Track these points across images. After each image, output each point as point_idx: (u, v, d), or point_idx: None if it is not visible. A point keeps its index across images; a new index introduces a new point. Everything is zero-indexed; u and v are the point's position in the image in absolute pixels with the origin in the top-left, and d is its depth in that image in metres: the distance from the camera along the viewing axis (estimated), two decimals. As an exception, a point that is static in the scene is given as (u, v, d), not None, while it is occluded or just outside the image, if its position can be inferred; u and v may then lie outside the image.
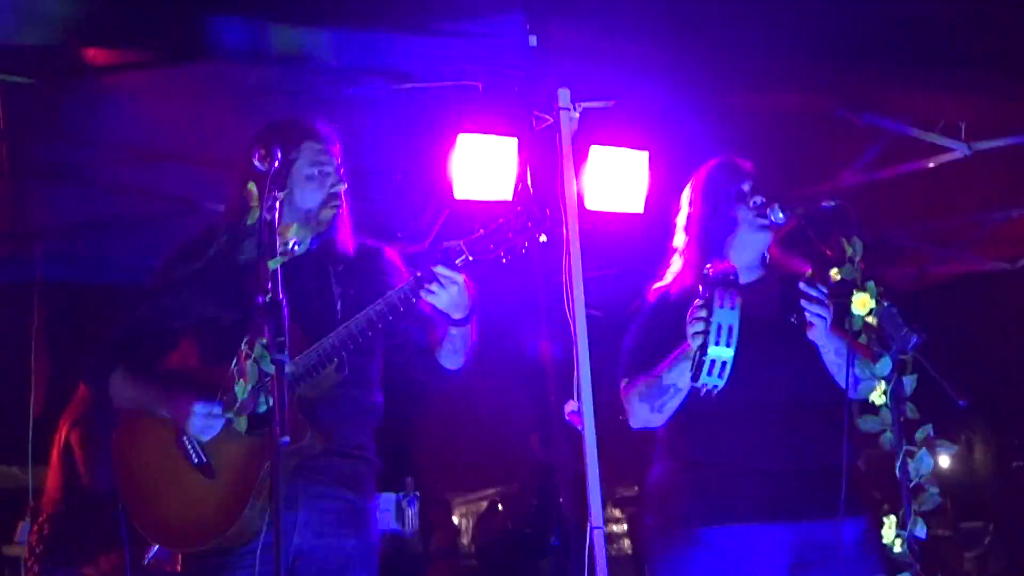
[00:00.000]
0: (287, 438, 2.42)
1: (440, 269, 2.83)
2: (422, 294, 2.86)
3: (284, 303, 2.52)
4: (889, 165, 5.73)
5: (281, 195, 2.74)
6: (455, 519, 9.77)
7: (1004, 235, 6.82)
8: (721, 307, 2.91)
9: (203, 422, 2.87)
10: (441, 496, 8.97)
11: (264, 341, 2.52)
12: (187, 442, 2.92)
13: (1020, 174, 5.76)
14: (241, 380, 2.76)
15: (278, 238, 2.65)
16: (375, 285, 2.97)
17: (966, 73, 4.49)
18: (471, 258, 2.84)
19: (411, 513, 6.18)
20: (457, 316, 2.95)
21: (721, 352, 2.91)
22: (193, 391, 2.90)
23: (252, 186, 2.84)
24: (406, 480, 6.36)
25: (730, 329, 2.91)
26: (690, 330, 2.97)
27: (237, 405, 2.77)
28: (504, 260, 2.87)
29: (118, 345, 3.11)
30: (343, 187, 3.10)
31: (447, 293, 2.87)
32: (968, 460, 9.36)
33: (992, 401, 7.60)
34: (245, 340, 2.79)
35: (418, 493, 6.32)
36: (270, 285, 2.54)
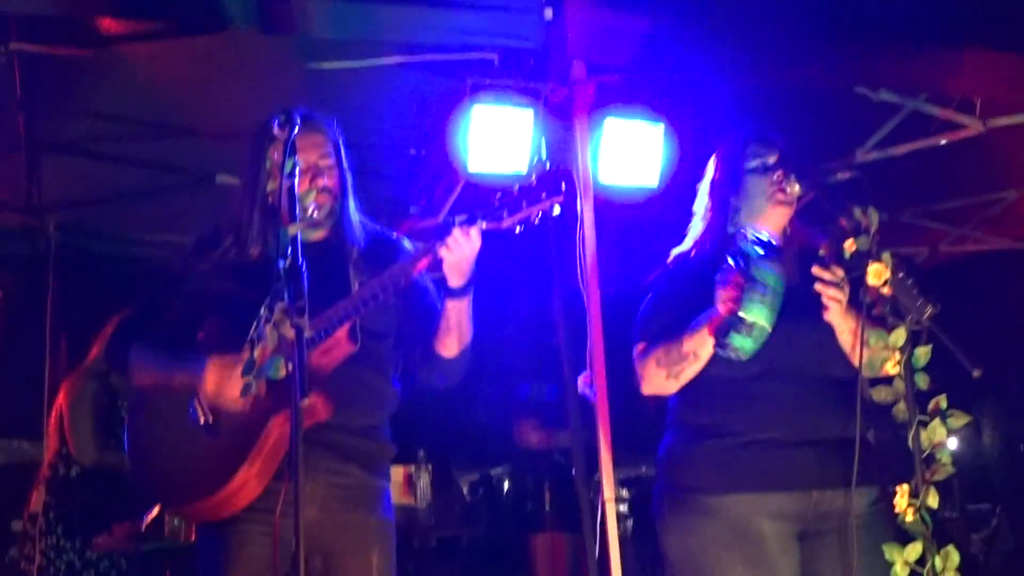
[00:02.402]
0: (307, 400, 2.42)
1: (458, 229, 2.84)
2: (438, 248, 2.85)
3: (304, 267, 2.51)
4: (903, 142, 5.71)
5: (301, 161, 2.73)
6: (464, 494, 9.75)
7: (1016, 214, 6.79)
8: (767, 270, 2.85)
9: (218, 373, 2.87)
10: (448, 471, 8.96)
11: (283, 306, 2.51)
12: (196, 403, 2.93)
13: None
14: (260, 344, 2.77)
15: (298, 204, 2.65)
16: None
17: (982, 49, 4.48)
18: (485, 225, 2.85)
19: (423, 486, 6.16)
20: (456, 284, 2.93)
21: (760, 314, 2.85)
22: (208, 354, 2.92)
23: (274, 153, 2.84)
24: (418, 452, 6.33)
25: (774, 293, 2.84)
26: (722, 293, 2.93)
27: (256, 369, 2.78)
28: (518, 230, 2.87)
29: (139, 320, 3.15)
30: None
31: (458, 253, 2.86)
32: (976, 442, 9.34)
33: (1001, 383, 7.57)
34: (264, 305, 2.80)
35: (430, 466, 6.29)
36: (290, 250, 2.53)
